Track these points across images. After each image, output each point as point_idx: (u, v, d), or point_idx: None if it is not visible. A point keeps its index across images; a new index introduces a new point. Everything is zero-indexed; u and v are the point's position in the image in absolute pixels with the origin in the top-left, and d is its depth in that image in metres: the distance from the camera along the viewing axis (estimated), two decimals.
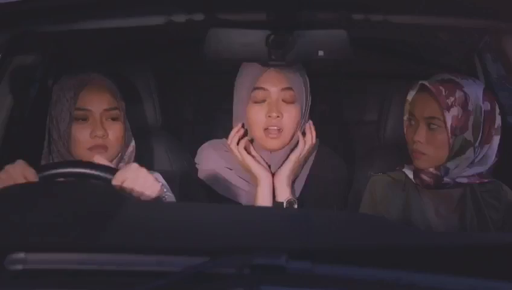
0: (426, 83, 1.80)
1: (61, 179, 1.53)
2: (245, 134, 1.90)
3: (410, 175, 1.88)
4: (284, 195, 1.85)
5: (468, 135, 1.78)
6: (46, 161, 1.77)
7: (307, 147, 1.87)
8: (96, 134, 1.72)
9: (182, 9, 1.69)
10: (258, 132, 1.86)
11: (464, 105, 1.77)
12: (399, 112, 1.97)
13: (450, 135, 1.77)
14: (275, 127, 1.84)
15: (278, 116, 1.83)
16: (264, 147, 1.88)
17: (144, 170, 1.52)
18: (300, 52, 1.72)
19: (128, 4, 1.62)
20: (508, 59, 1.83)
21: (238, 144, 1.87)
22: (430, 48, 2.59)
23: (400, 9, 1.70)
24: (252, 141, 1.90)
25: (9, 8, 1.44)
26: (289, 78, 1.84)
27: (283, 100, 1.84)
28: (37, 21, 1.66)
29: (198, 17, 1.70)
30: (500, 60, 2.06)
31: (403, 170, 1.91)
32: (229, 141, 1.88)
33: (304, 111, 1.88)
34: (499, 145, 1.85)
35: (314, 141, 1.89)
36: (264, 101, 1.84)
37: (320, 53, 1.72)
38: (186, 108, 2.69)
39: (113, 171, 1.52)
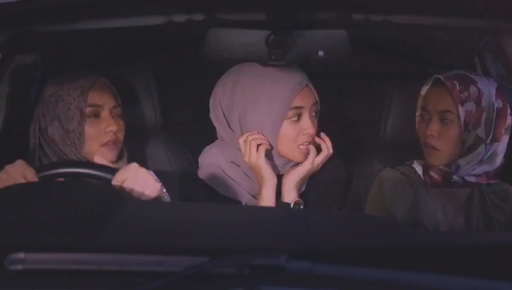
0: (441, 77, 1.80)
1: (61, 179, 1.53)
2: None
3: (420, 171, 1.88)
4: (291, 196, 1.85)
5: (481, 131, 1.79)
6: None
7: (321, 157, 1.87)
8: (111, 129, 1.74)
9: (182, 9, 1.69)
10: (289, 147, 1.85)
11: (478, 101, 1.78)
12: (399, 111, 1.98)
13: (463, 129, 1.78)
14: (308, 142, 1.84)
15: (314, 132, 1.84)
16: (290, 158, 1.88)
17: (143, 170, 1.52)
18: (300, 52, 1.72)
19: (128, 4, 1.62)
20: (508, 59, 1.83)
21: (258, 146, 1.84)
22: (430, 48, 2.60)
23: (400, 9, 1.70)
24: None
25: (9, 8, 1.44)
26: (315, 93, 1.85)
27: (312, 115, 1.85)
28: (37, 21, 1.66)
29: (198, 17, 1.69)
30: (500, 60, 2.07)
31: (413, 165, 1.91)
32: (248, 138, 1.83)
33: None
34: (508, 145, 1.85)
35: (331, 150, 1.88)
36: (299, 118, 1.83)
37: (320, 53, 1.72)
38: (186, 108, 2.69)
39: (112, 171, 1.52)
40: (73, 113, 1.72)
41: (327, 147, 1.88)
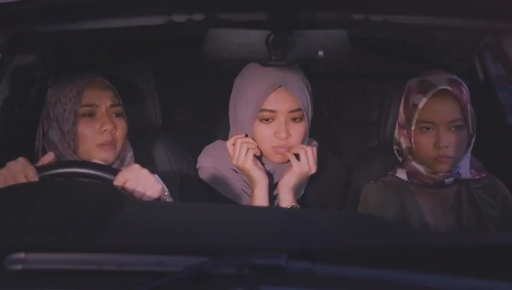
0: (448, 87, 1.78)
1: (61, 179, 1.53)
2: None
3: (404, 178, 1.88)
4: (287, 201, 1.84)
5: (470, 127, 1.82)
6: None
7: (304, 160, 1.83)
8: (106, 128, 1.73)
9: (182, 9, 1.69)
10: (264, 147, 1.85)
11: (469, 100, 1.81)
12: (399, 111, 1.97)
13: (470, 132, 1.80)
14: (283, 147, 1.83)
15: (287, 137, 1.82)
16: (271, 161, 1.88)
17: (145, 171, 1.52)
18: (300, 52, 1.72)
19: (128, 4, 1.62)
20: (508, 59, 1.83)
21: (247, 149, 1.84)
22: (430, 48, 2.59)
23: (400, 9, 1.70)
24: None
25: (9, 8, 1.44)
26: (297, 99, 1.82)
27: (291, 119, 1.83)
28: (37, 21, 1.66)
29: (198, 17, 1.69)
30: (500, 60, 2.07)
31: (396, 174, 1.90)
32: (238, 141, 1.84)
33: (309, 125, 1.87)
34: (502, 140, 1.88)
35: (308, 150, 1.83)
36: (272, 120, 1.83)
37: (320, 53, 1.72)
38: (186, 108, 2.69)
39: (114, 171, 1.52)
40: (68, 114, 1.72)
41: (302, 148, 1.84)
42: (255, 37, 1.70)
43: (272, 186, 1.89)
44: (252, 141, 1.85)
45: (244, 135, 1.86)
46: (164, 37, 2.39)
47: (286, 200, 1.84)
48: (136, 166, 1.53)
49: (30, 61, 1.98)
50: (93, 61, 2.38)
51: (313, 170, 1.85)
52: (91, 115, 1.74)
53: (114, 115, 1.77)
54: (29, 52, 1.94)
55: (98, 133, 1.73)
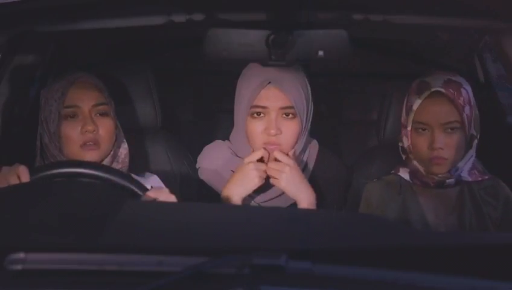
0: (441, 89, 1.79)
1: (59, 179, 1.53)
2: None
3: (406, 177, 1.88)
4: (307, 190, 1.83)
5: (472, 129, 1.82)
6: None
7: (289, 167, 1.81)
8: (87, 129, 1.72)
9: (182, 9, 1.69)
10: (255, 143, 1.85)
11: (469, 101, 1.81)
12: (399, 112, 1.97)
13: (467, 133, 1.79)
14: (274, 144, 1.83)
15: (276, 134, 1.81)
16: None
17: (173, 197, 1.54)
18: (300, 52, 1.72)
19: (128, 4, 1.62)
20: (508, 59, 1.83)
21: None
22: (430, 48, 2.60)
23: (400, 9, 1.70)
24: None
25: (9, 8, 1.44)
26: (289, 96, 1.81)
27: (283, 116, 1.83)
28: (37, 21, 1.66)
29: (198, 17, 1.70)
30: (500, 60, 2.07)
31: (399, 173, 1.90)
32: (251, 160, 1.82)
33: (304, 123, 1.86)
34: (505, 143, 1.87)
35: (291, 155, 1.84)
36: (263, 116, 1.83)
37: (320, 53, 1.72)
38: (186, 108, 2.69)
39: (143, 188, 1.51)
40: (53, 116, 1.73)
41: (270, 166, 1.82)
42: (255, 37, 1.70)
43: (270, 188, 1.88)
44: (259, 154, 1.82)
45: (243, 134, 1.86)
46: (164, 37, 2.39)
47: (304, 189, 1.82)
48: (166, 190, 1.54)
49: (30, 61, 1.98)
50: (93, 61, 2.38)
51: (292, 154, 1.83)
52: (73, 116, 1.74)
53: (98, 114, 1.75)
54: (29, 52, 1.94)
55: (80, 134, 1.72)
